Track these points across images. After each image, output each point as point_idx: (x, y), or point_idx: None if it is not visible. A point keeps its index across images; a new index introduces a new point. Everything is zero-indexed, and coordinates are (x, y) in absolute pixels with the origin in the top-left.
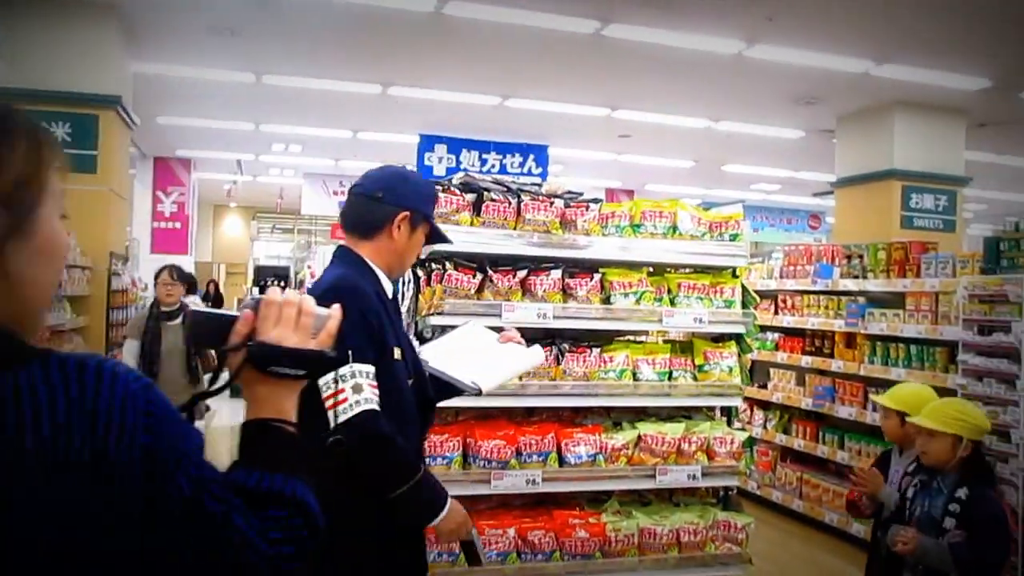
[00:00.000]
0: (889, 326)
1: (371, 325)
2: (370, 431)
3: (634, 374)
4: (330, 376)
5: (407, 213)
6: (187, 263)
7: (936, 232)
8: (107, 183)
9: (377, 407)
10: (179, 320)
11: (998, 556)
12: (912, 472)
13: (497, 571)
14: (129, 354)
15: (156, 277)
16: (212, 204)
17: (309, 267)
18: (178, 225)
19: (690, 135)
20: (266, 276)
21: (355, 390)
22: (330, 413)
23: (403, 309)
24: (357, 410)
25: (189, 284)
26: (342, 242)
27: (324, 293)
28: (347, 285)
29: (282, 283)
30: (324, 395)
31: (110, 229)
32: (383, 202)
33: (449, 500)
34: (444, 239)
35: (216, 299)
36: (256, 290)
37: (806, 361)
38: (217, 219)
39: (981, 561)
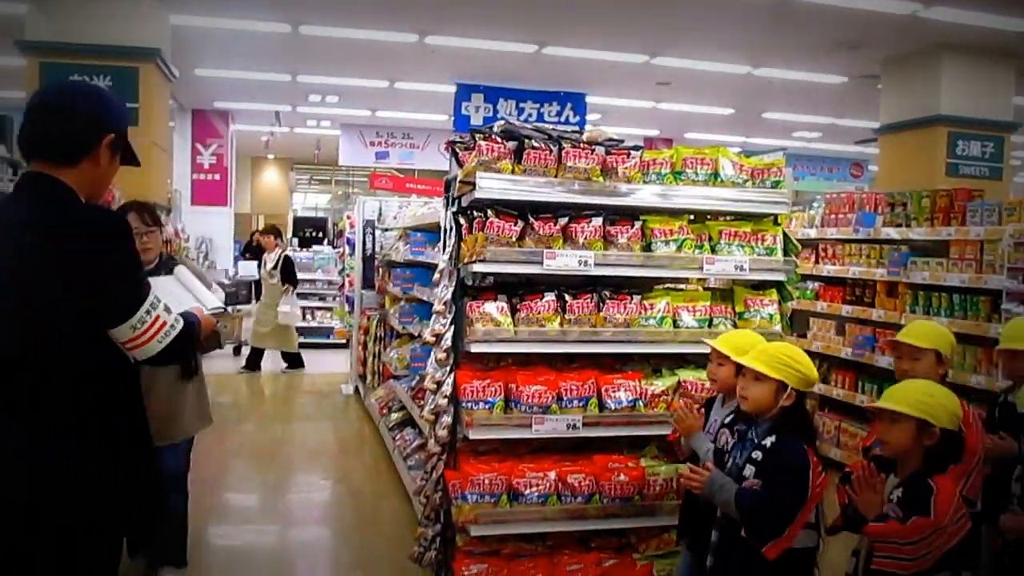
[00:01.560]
0: (932, 275)
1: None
2: (194, 332)
3: (674, 321)
4: (140, 312)
5: (112, 136)
6: (227, 214)
7: (983, 180)
8: (149, 135)
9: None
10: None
11: (789, 505)
12: (729, 423)
13: (537, 512)
14: None
15: None
16: (250, 156)
17: (348, 217)
18: (217, 177)
19: (730, 82)
20: (304, 227)
21: (167, 310)
22: (152, 343)
23: (445, 256)
24: (180, 325)
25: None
26: (36, 170)
27: (106, 227)
28: (119, 219)
29: (319, 234)
30: (140, 330)
31: (152, 181)
32: (85, 122)
33: (197, 319)
34: (136, 162)
35: (259, 251)
36: (296, 241)
37: (846, 310)
38: (255, 171)
39: (769, 508)
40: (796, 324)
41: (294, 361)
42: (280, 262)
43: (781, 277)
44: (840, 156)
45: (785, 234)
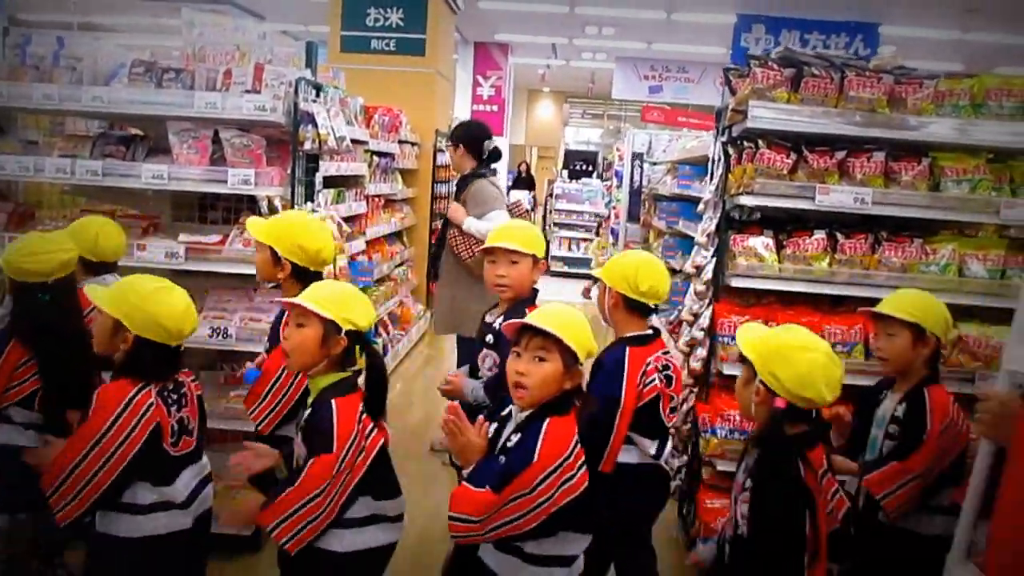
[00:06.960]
0: None
1: None
2: None
3: (960, 270)
4: None
5: None
6: (502, 144)
7: None
8: (434, 65)
9: None
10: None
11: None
12: None
13: None
14: None
15: None
16: (527, 88)
17: (618, 150)
18: (495, 108)
19: None
20: (575, 160)
21: None
22: None
23: (711, 187)
24: None
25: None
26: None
27: None
28: None
29: (589, 167)
30: None
31: (435, 109)
32: None
33: None
34: None
35: (528, 181)
36: (565, 173)
37: None
38: (531, 103)
39: None
40: None
41: None
42: None
43: None
44: None
45: None
